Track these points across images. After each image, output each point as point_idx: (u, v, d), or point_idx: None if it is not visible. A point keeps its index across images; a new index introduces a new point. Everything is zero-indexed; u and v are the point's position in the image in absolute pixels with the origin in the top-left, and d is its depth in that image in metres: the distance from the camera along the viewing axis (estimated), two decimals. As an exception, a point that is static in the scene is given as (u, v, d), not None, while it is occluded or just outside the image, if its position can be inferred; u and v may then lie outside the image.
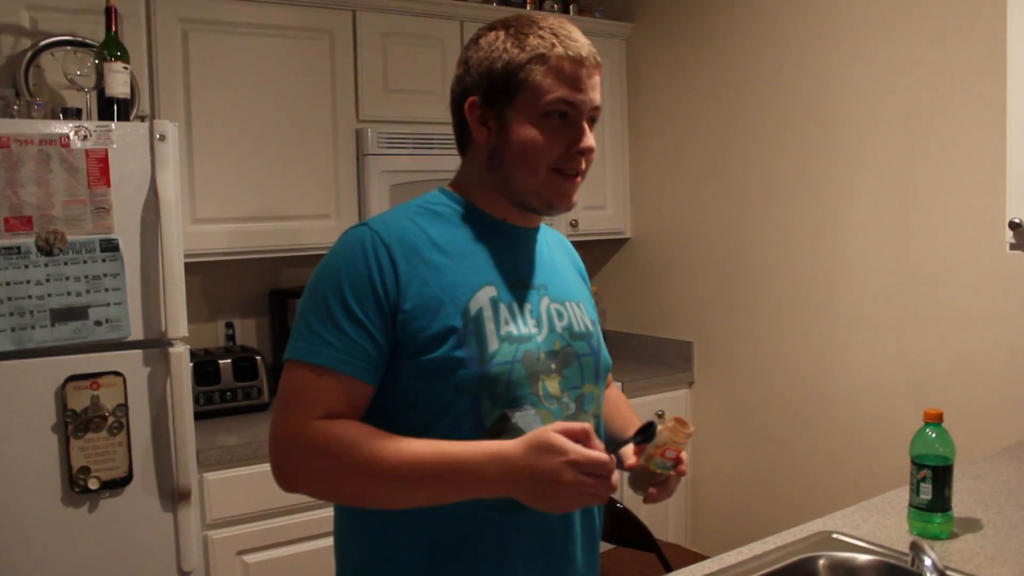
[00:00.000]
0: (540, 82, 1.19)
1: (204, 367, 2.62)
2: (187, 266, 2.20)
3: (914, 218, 2.57)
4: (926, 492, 1.50)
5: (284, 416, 1.15)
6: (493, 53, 1.21)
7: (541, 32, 1.21)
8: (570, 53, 1.20)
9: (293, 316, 2.81)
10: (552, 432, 1.07)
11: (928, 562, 1.06)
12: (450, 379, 1.15)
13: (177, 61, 2.52)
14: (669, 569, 2.54)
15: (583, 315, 1.32)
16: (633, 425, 1.34)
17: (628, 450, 1.27)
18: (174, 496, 2.15)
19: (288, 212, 2.72)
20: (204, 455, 2.29)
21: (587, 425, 1.09)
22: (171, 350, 2.12)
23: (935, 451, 1.50)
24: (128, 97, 2.23)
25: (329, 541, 2.51)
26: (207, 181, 2.58)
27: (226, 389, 2.65)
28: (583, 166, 1.24)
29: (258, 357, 2.72)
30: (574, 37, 1.22)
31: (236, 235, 2.63)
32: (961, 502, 1.65)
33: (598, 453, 1.07)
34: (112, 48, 2.19)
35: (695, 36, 3.18)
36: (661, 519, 3.20)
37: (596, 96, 1.23)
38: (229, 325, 2.94)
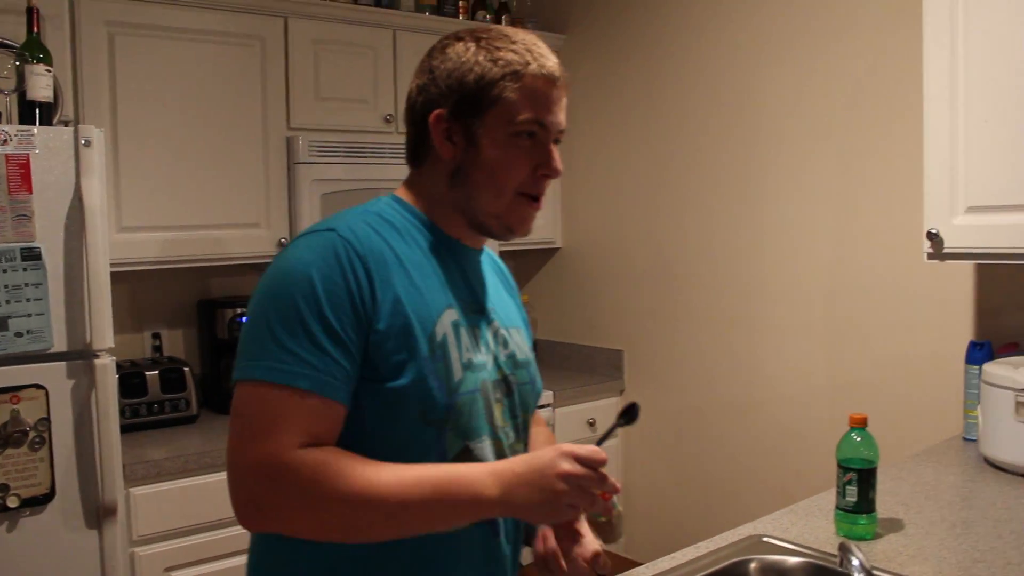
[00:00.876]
0: (513, 100, 1.16)
1: (130, 379, 2.55)
2: (112, 275, 2.14)
3: (838, 228, 2.65)
4: (851, 494, 1.55)
5: (258, 443, 1.03)
6: (464, 65, 1.17)
7: (514, 47, 1.17)
8: (544, 72, 1.17)
9: (222, 327, 2.77)
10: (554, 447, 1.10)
11: (856, 562, 1.09)
12: (417, 408, 1.11)
13: (103, 65, 2.46)
14: None
15: (523, 342, 1.31)
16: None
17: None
18: (99, 512, 2.09)
19: (217, 221, 2.67)
20: (130, 469, 2.23)
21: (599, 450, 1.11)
22: (96, 362, 2.06)
23: (860, 454, 1.55)
24: (51, 101, 2.17)
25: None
26: (134, 188, 2.52)
27: (153, 401, 2.59)
28: (544, 189, 1.22)
29: (186, 368, 2.67)
30: (547, 55, 1.19)
31: (163, 244, 2.57)
32: (884, 503, 1.71)
33: (589, 445, 1.07)
34: (34, 50, 2.13)
35: (625, 48, 3.24)
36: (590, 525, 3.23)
37: (564, 118, 1.21)
38: (156, 336, 2.87)
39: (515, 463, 1.08)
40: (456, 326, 1.17)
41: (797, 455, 2.77)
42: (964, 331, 2.36)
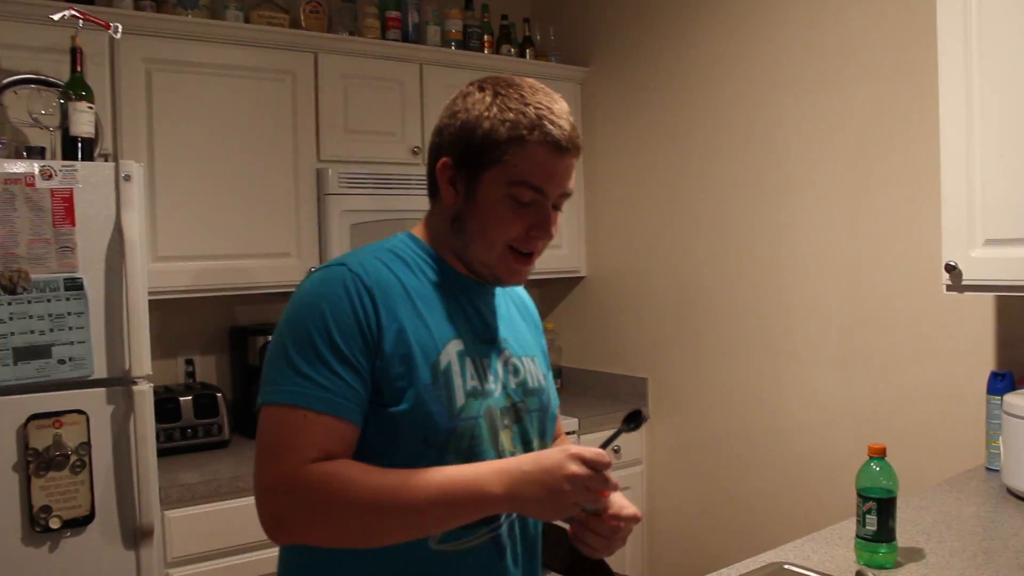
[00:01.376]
0: (513, 163, 1.19)
1: (164, 404, 2.62)
2: (148, 303, 2.21)
3: (859, 259, 2.68)
4: (871, 524, 1.57)
5: (275, 465, 1.11)
6: (475, 119, 1.21)
7: (526, 109, 1.19)
8: (549, 140, 1.19)
9: (253, 353, 2.84)
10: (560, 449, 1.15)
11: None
12: (419, 432, 1.18)
13: (141, 101, 2.55)
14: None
15: (536, 370, 1.36)
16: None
17: None
18: (136, 535, 2.15)
19: (249, 251, 2.74)
20: (165, 493, 2.29)
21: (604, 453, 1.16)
22: (135, 388, 2.13)
23: (879, 484, 1.57)
24: (92, 136, 2.25)
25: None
26: (169, 220, 2.60)
27: (187, 426, 2.65)
28: (539, 247, 1.26)
29: (219, 394, 2.73)
30: (559, 121, 1.20)
31: (197, 273, 2.65)
32: (905, 532, 1.73)
33: (594, 448, 1.13)
34: (77, 88, 2.21)
35: (648, 79, 3.29)
36: (618, 552, 3.25)
37: (568, 183, 1.24)
38: (189, 362, 2.94)
39: (523, 461, 1.14)
40: (462, 356, 1.23)
41: (819, 483, 2.79)
42: (985, 362, 2.38)
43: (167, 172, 2.59)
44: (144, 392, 2.13)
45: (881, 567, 1.58)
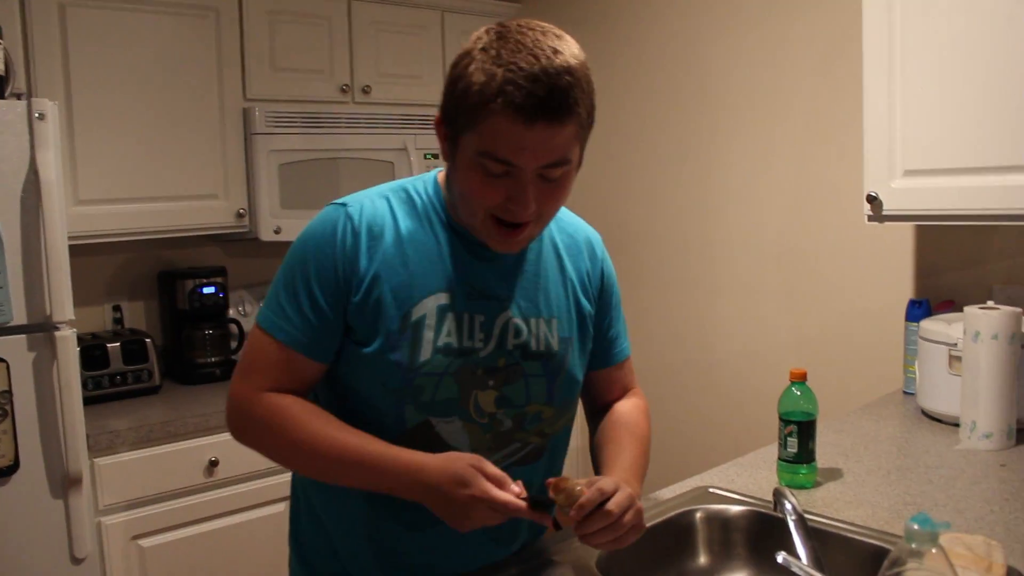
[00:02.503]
0: (481, 132, 1.08)
1: (92, 351, 2.57)
2: (71, 248, 2.16)
3: (787, 193, 2.73)
4: (792, 446, 1.63)
5: (241, 380, 1.22)
6: (456, 76, 1.11)
7: (496, 70, 1.05)
8: (512, 108, 1.05)
9: (182, 298, 2.80)
10: (469, 467, 1.10)
11: (788, 506, 1.16)
12: (378, 376, 1.19)
13: (55, 37, 2.45)
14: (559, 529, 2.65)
15: (550, 334, 1.27)
16: (618, 459, 1.30)
17: None
18: (64, 483, 2.12)
19: (175, 193, 2.67)
20: (94, 440, 2.26)
21: (504, 474, 1.11)
22: (57, 334, 2.08)
23: (800, 407, 1.62)
24: (3, 74, 2.16)
25: (225, 522, 2.54)
26: (89, 161, 2.52)
27: (115, 373, 2.61)
28: (527, 218, 1.14)
29: (148, 340, 2.69)
30: (531, 86, 1.04)
31: (121, 216, 2.58)
32: (825, 454, 1.79)
33: (508, 497, 1.09)
34: (-17, 24, 2.12)
35: (581, 17, 3.26)
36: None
37: (551, 155, 1.09)
38: (116, 308, 2.88)
39: (432, 473, 1.12)
40: (443, 310, 1.20)
41: (749, 411, 2.87)
42: (905, 290, 2.45)
43: (86, 112, 2.50)
44: (67, 338, 2.09)
45: (801, 487, 1.63)
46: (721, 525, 1.54)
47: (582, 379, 1.35)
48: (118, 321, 2.87)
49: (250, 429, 1.22)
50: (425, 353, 1.19)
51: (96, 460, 2.27)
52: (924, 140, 1.97)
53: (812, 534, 1.12)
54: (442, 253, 1.22)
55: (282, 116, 2.80)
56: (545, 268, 1.30)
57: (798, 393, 1.63)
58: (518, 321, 1.25)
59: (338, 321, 1.19)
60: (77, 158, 2.49)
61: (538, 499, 1.11)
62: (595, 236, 1.43)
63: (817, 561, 1.09)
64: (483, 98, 1.06)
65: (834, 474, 1.71)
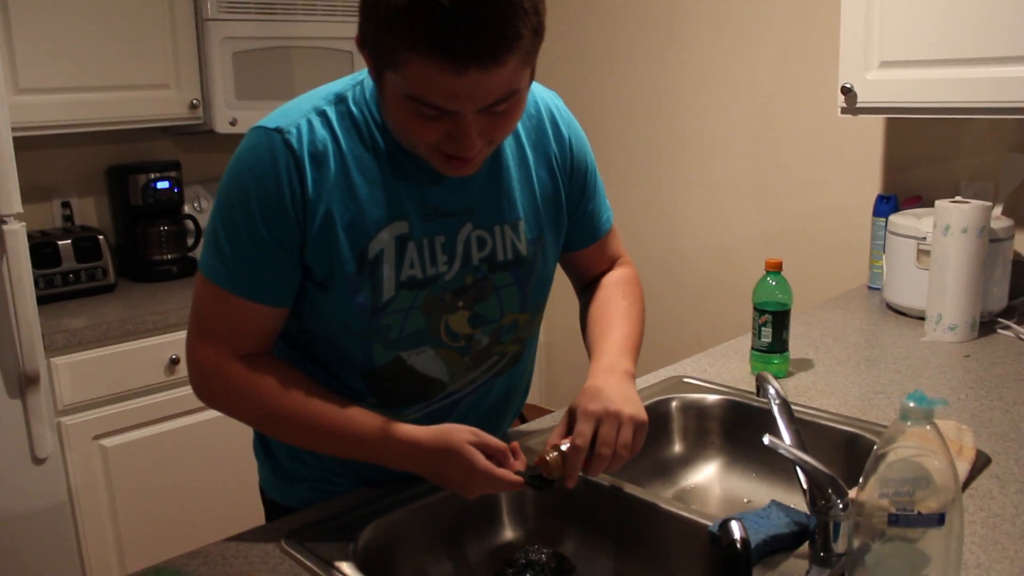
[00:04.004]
0: (406, 75, 0.92)
1: (42, 249, 2.48)
2: (15, 142, 2.03)
3: (760, 83, 2.68)
4: (766, 335, 1.63)
5: (203, 342, 1.11)
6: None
7: (416, 9, 0.87)
8: (439, 55, 0.88)
9: (135, 193, 2.70)
10: (464, 442, 1.06)
11: (772, 391, 1.16)
12: (340, 320, 1.12)
13: (-16, -90, 2.27)
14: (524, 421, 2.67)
15: (516, 238, 1.18)
16: (606, 337, 1.25)
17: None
18: (21, 382, 2.06)
19: (123, 82, 2.54)
20: (50, 339, 2.19)
21: (505, 447, 1.08)
22: (5, 228, 1.98)
23: (775, 297, 1.62)
24: (-70, -51, 2.00)
25: (188, 420, 2.49)
26: (29, 47, 2.36)
27: (68, 271, 2.52)
28: (477, 151, 1.01)
29: (100, 237, 2.59)
30: (460, 26, 0.86)
31: (67, 107, 2.45)
32: (794, 345, 1.80)
33: (507, 474, 1.06)
34: None
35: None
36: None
37: (488, 96, 0.94)
38: (66, 205, 2.77)
39: (426, 451, 1.08)
40: (402, 240, 1.09)
41: (712, 308, 2.88)
42: (873, 186, 2.45)
43: (21, -6, 2.34)
44: (16, 231, 1.99)
45: (775, 376, 1.64)
46: (697, 414, 1.55)
47: (554, 274, 1.30)
48: (68, 219, 2.76)
49: (223, 398, 1.14)
50: (388, 291, 1.10)
51: (53, 359, 2.21)
52: (900, 31, 1.94)
53: (794, 418, 1.12)
54: (391, 176, 1.08)
55: (235, 1, 2.66)
56: (506, 166, 1.17)
57: (773, 283, 1.63)
58: (481, 233, 1.15)
59: (293, 263, 1.07)
60: (15, 43, 2.34)
61: (535, 476, 1.09)
62: (554, 102, 1.26)
63: (801, 444, 1.09)
64: (402, 37, 0.89)
65: (805, 364, 1.73)
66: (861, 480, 0.87)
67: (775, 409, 1.14)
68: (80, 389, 2.27)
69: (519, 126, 1.19)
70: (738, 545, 0.95)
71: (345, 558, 1.06)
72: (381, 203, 1.08)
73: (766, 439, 1.03)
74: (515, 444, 1.11)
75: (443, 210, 1.12)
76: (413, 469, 1.11)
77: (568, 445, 1.08)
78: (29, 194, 2.52)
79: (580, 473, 1.08)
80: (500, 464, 1.08)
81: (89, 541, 2.32)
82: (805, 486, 1.02)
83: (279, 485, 1.31)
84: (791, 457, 1.03)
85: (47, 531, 2.16)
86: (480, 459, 1.06)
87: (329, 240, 1.07)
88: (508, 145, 1.18)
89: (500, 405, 1.31)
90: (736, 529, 0.95)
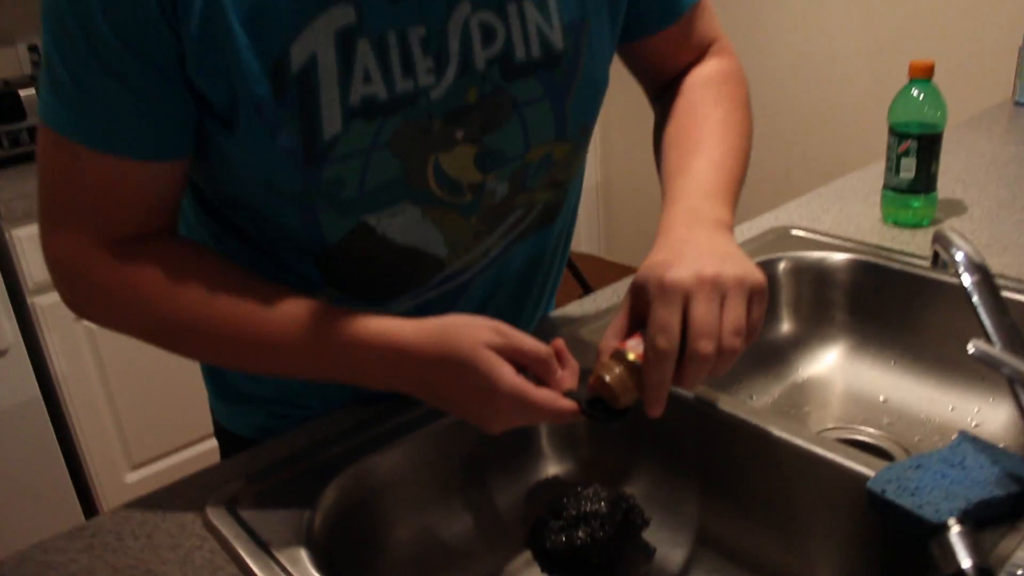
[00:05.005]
0: None
1: (2, 101, 2.10)
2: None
3: None
4: (908, 169, 1.17)
5: (57, 229, 0.70)
6: None
7: None
8: None
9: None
10: (480, 347, 0.65)
11: (961, 257, 0.73)
12: (260, 176, 0.69)
13: None
14: (585, 285, 2.29)
15: (542, 22, 0.73)
16: (686, 168, 0.79)
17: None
18: (-29, 258, 1.73)
19: None
20: (8, 208, 1.85)
21: (546, 350, 0.67)
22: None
23: (922, 116, 1.16)
24: None
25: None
26: None
27: (35, 126, 2.14)
28: None
29: (69, 83, 2.20)
30: None
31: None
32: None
33: (551, 398, 0.65)
34: None
35: None
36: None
37: None
38: (33, 49, 2.37)
39: (419, 361, 0.67)
40: (347, 37, 0.66)
41: (803, 138, 2.39)
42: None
43: None
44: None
45: (916, 225, 1.20)
46: (813, 280, 1.13)
47: (608, 79, 0.83)
48: (37, 64, 2.36)
49: (96, 307, 0.74)
50: (331, 124, 0.67)
51: (14, 231, 1.87)
52: None
53: (1002, 303, 0.69)
54: None
55: None
56: None
57: (920, 96, 1.16)
58: (485, 16, 0.71)
59: (168, 86, 0.65)
60: None
61: (595, 401, 0.67)
62: None
63: (1017, 345, 0.67)
64: None
65: (955, 207, 1.27)
66: None
67: (969, 287, 0.71)
68: (55, 264, 1.93)
69: None
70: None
71: (296, 540, 0.69)
72: None
73: (971, 346, 0.61)
74: (559, 343, 0.70)
75: None
76: (400, 388, 0.71)
77: (640, 348, 0.67)
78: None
79: (671, 389, 0.66)
80: (539, 380, 0.67)
81: (88, 438, 2.05)
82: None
83: (226, 409, 0.95)
84: (1013, 375, 0.61)
85: (20, 434, 1.88)
86: (507, 374, 0.65)
87: (221, 44, 0.63)
88: None
89: (525, 282, 0.90)
90: (960, 547, 0.54)
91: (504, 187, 0.78)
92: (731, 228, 0.74)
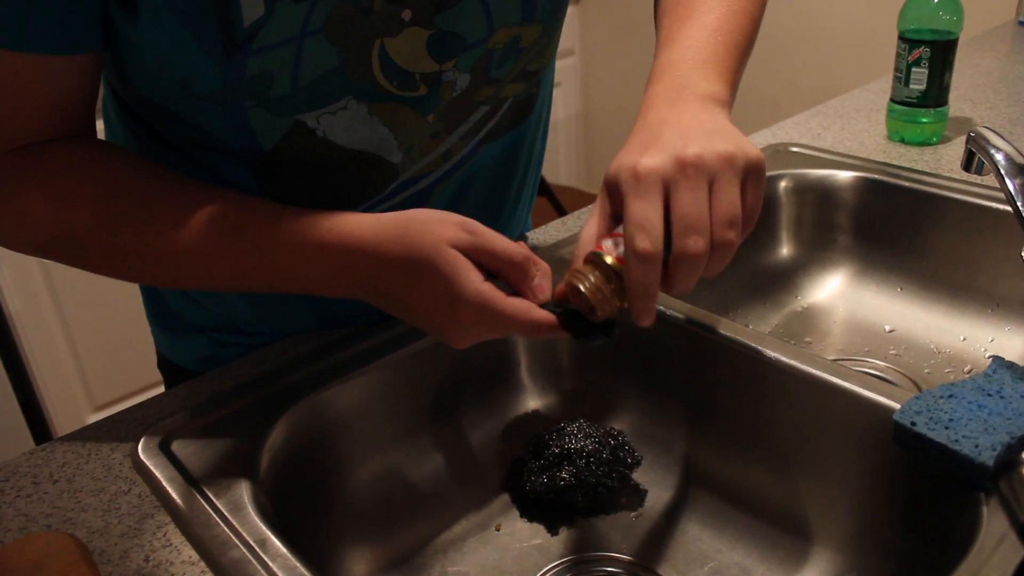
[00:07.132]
0: None
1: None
2: None
3: None
4: (918, 80, 1.08)
5: None
6: None
7: None
8: None
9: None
10: (444, 245, 0.54)
11: (1001, 159, 0.63)
12: (176, 75, 0.58)
13: None
14: (563, 213, 2.20)
15: None
16: (677, 36, 0.67)
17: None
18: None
19: None
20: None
21: (525, 253, 0.55)
22: None
23: (936, 21, 1.06)
24: None
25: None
26: None
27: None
28: None
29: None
30: None
31: None
32: (942, 99, 1.25)
33: (524, 308, 0.54)
34: None
35: None
36: (552, 161, 2.82)
37: None
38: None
39: (365, 247, 0.56)
40: None
41: (791, 65, 2.29)
42: None
43: None
44: None
45: (924, 143, 1.11)
46: (815, 199, 1.04)
47: None
48: None
49: (10, 230, 0.62)
50: (252, 7, 0.55)
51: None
52: None
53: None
54: None
55: None
56: None
57: (934, -1, 1.06)
58: None
59: None
60: None
61: (572, 313, 0.56)
62: None
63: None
64: None
65: (964, 126, 1.18)
66: None
67: (1014, 191, 0.62)
68: None
69: None
70: None
71: (238, 484, 0.60)
72: None
73: (1024, 252, 0.52)
74: (524, 246, 0.57)
75: None
76: (350, 293, 0.59)
77: (620, 250, 0.56)
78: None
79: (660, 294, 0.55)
80: (513, 287, 0.56)
81: (47, 380, 1.95)
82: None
83: (167, 338, 0.85)
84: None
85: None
86: (472, 280, 0.54)
87: None
88: None
89: (496, 192, 0.79)
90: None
91: (465, 78, 0.67)
92: (726, 104, 0.61)
